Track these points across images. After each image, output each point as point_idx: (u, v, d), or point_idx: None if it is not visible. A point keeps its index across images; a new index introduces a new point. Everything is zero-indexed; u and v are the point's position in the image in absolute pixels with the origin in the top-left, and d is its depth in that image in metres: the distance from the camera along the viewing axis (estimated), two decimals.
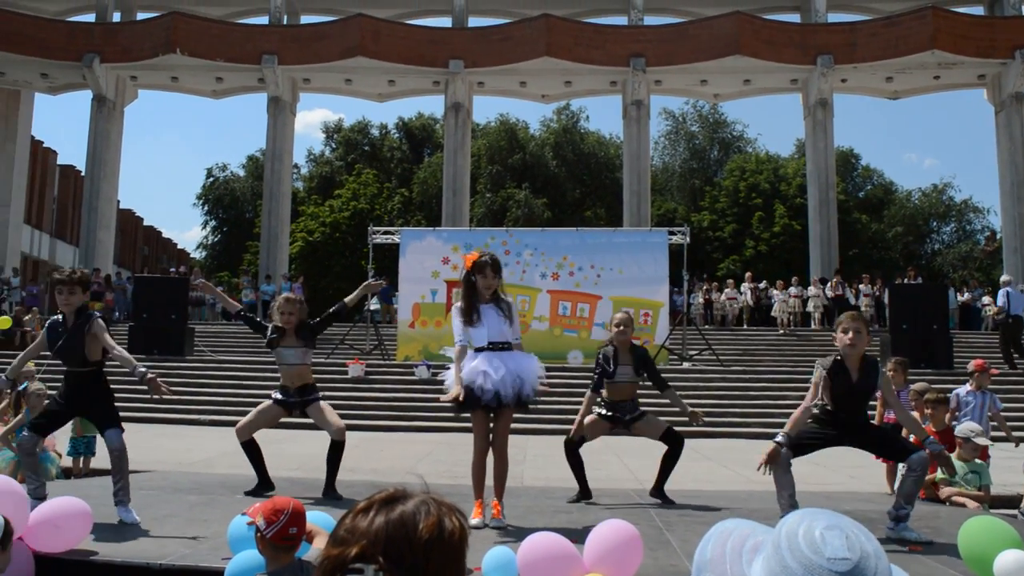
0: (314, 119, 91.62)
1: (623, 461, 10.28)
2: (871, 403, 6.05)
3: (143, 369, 5.61)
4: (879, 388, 5.56)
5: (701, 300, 25.90)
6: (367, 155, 48.01)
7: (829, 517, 1.17)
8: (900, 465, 7.85)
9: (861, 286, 24.70)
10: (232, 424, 14.40)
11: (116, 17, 30.79)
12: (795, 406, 15.54)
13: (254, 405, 15.08)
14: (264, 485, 6.68)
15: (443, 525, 1.28)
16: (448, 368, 5.75)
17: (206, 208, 49.63)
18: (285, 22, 29.85)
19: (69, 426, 8.89)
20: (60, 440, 8.57)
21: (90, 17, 30.46)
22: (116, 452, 5.52)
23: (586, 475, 6.91)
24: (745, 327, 25.09)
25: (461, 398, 5.35)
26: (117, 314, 24.78)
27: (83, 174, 31.59)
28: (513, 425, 5.89)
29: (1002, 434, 8.62)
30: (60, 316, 5.77)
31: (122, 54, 28.38)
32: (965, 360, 13.37)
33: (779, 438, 5.28)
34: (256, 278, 27.98)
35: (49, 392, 8.14)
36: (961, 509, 6.66)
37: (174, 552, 4.40)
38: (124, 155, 30.46)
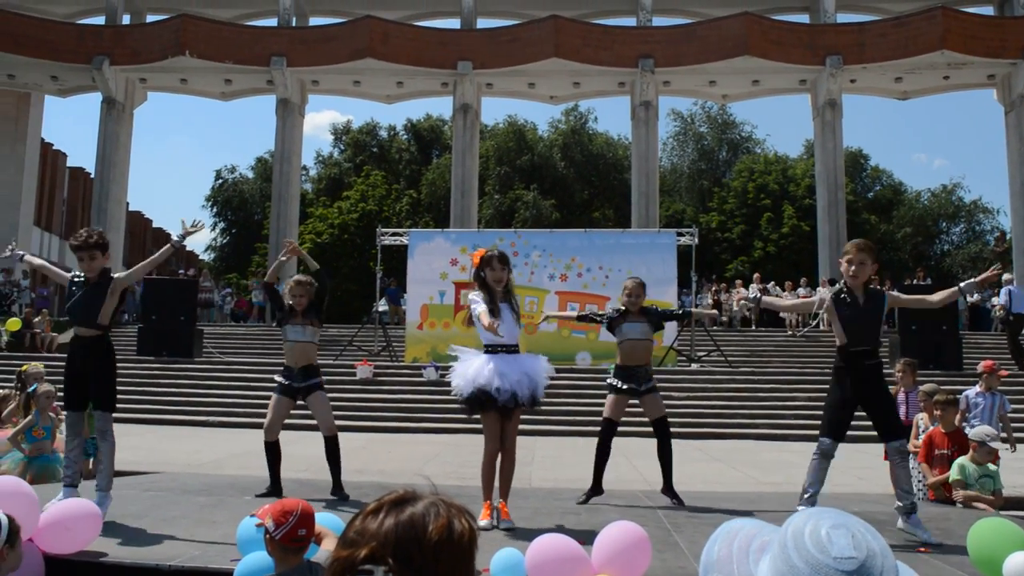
0: (323, 121, 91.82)
1: (632, 463, 10.27)
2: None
3: (176, 237, 5.96)
4: (886, 309, 5.61)
5: (710, 301, 25.85)
6: (375, 157, 48.04)
7: (835, 516, 1.17)
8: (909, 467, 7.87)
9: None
10: (240, 426, 14.53)
11: (125, 19, 30.89)
12: (804, 407, 15.56)
13: (262, 406, 15.10)
14: (275, 491, 6.69)
15: (452, 527, 1.28)
16: (463, 357, 5.73)
17: (215, 210, 49.70)
18: (294, 24, 29.91)
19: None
20: None
21: (99, 19, 30.55)
22: (99, 432, 5.58)
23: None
24: (753, 328, 25.05)
25: (497, 326, 5.39)
26: (126, 316, 24.85)
27: (92, 176, 31.71)
28: (521, 426, 5.90)
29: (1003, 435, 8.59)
30: (83, 276, 5.71)
31: (131, 56, 28.46)
32: (975, 361, 13.34)
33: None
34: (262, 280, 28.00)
35: (59, 393, 8.19)
36: (972, 510, 6.64)
37: (183, 553, 4.42)
38: (133, 157, 30.54)
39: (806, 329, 21.92)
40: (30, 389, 7.87)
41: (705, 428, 14.42)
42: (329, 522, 3.55)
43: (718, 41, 27.24)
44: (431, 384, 16.20)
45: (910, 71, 27.45)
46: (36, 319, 21.73)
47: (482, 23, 30.58)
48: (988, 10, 29.79)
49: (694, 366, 18.54)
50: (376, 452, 11.55)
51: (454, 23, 30.43)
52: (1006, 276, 20.25)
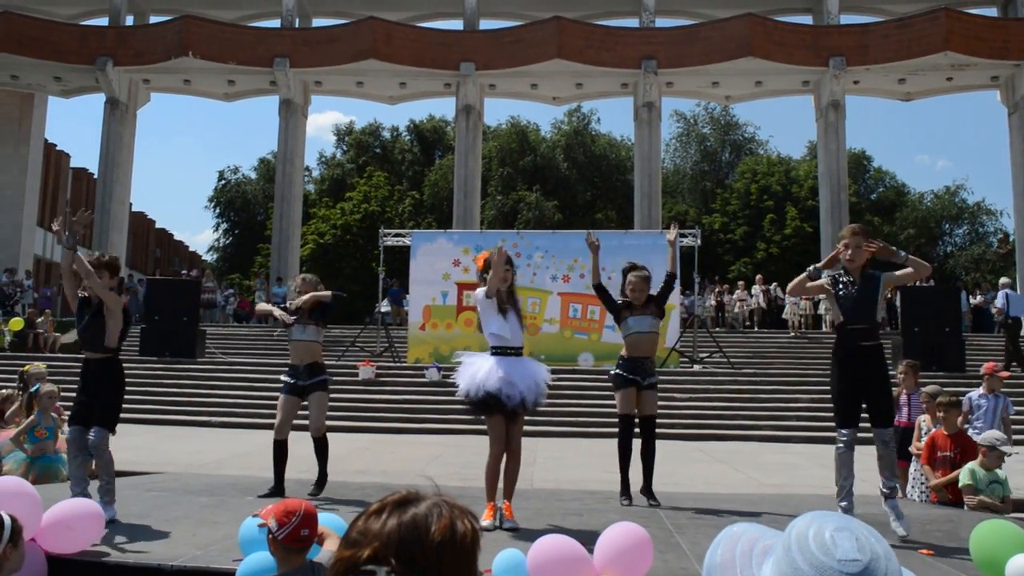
0: (325, 122, 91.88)
1: (636, 466, 10.25)
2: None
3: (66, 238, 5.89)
4: (882, 287, 5.74)
5: (713, 302, 25.86)
6: (378, 157, 48.07)
7: (839, 519, 1.17)
8: (911, 469, 7.87)
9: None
10: (242, 426, 14.55)
11: (129, 21, 30.93)
12: (806, 409, 15.56)
13: (264, 407, 15.15)
14: (278, 491, 6.73)
15: (455, 528, 1.28)
16: (469, 359, 5.75)
17: (218, 211, 49.78)
18: (297, 25, 29.93)
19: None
20: None
21: (103, 21, 30.58)
22: (94, 450, 5.65)
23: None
24: (756, 329, 25.04)
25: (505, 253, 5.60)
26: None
27: (96, 177, 31.72)
28: (524, 428, 5.91)
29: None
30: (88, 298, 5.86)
31: (135, 57, 28.50)
32: (977, 363, 13.33)
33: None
34: (268, 280, 28.05)
35: (61, 393, 8.19)
36: (973, 512, 6.63)
37: (185, 553, 4.42)
38: (136, 158, 30.57)
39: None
40: (32, 389, 7.88)
41: (707, 429, 14.41)
42: (331, 523, 3.56)
43: (721, 42, 27.23)
44: (433, 385, 16.20)
45: (913, 72, 27.43)
46: (39, 319, 21.77)
47: (485, 24, 30.59)
48: (992, 11, 29.77)
49: (696, 367, 18.52)
50: (378, 453, 11.56)
51: (457, 24, 30.45)
52: (1003, 280, 20.33)
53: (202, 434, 13.54)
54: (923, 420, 7.93)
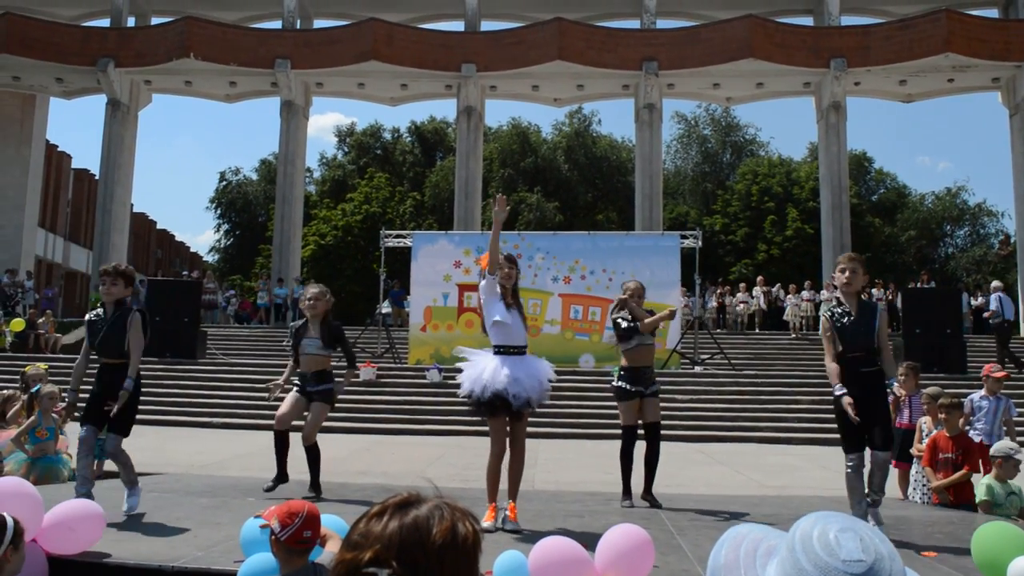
0: (327, 123, 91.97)
1: (637, 468, 10.25)
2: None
3: (73, 397, 6.00)
4: (879, 322, 5.74)
5: (715, 304, 25.86)
6: (379, 159, 48.08)
7: (843, 520, 1.17)
8: (912, 471, 7.86)
9: (874, 290, 24.59)
10: (243, 427, 14.55)
11: (131, 22, 30.97)
12: (807, 410, 15.56)
13: (265, 408, 15.15)
14: (281, 478, 6.84)
15: (457, 530, 1.28)
16: (471, 359, 5.74)
17: (219, 212, 49.83)
18: (298, 27, 29.94)
19: (81, 429, 8.94)
20: (72, 442, 8.61)
21: (105, 22, 30.60)
22: (110, 456, 5.79)
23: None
24: (757, 331, 25.04)
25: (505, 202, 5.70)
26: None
27: (97, 178, 31.75)
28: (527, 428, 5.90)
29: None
30: (100, 310, 5.92)
31: (136, 59, 28.52)
32: (979, 365, 13.32)
33: (842, 389, 5.59)
34: (269, 281, 28.07)
35: (62, 394, 8.19)
36: (974, 514, 6.62)
37: (187, 555, 4.42)
38: (138, 159, 30.63)
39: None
40: (33, 390, 7.88)
41: (708, 431, 14.40)
42: (333, 524, 3.55)
43: (722, 44, 27.23)
44: (434, 386, 16.20)
45: (914, 74, 27.43)
46: (40, 320, 21.78)
47: (486, 25, 30.60)
48: (993, 13, 29.77)
49: (697, 369, 18.52)
50: (379, 454, 11.55)
51: (458, 25, 30.47)
52: (995, 283, 20.54)
53: (203, 435, 13.54)
54: (924, 422, 7.92)
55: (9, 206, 31.65)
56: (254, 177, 50.67)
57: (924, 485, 7.61)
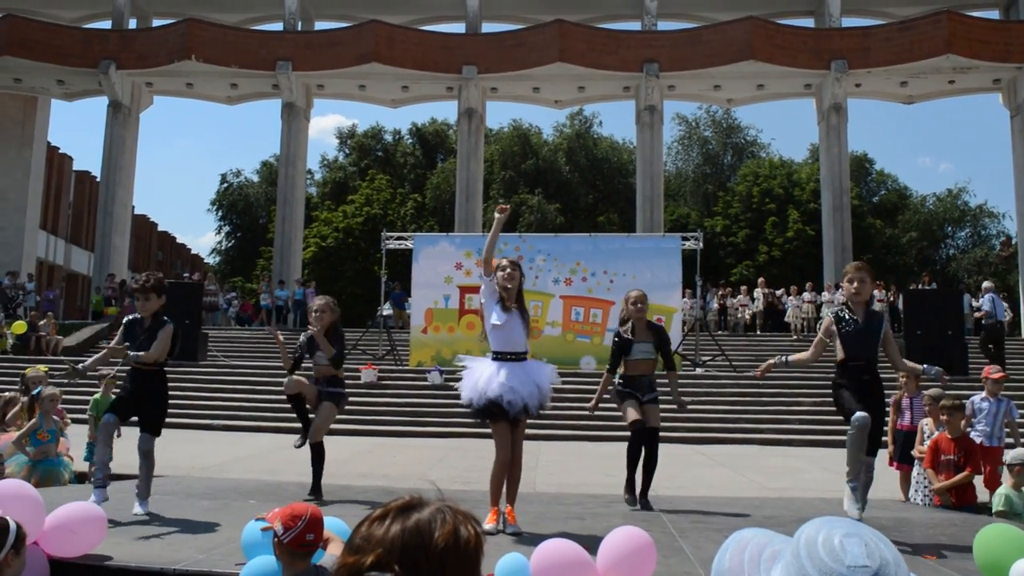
0: (328, 125, 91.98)
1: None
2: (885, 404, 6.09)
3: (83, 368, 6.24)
4: (884, 330, 5.80)
5: (716, 306, 25.85)
6: (380, 161, 48.08)
7: (848, 525, 1.17)
8: (914, 472, 7.86)
9: (875, 292, 24.57)
10: (244, 429, 14.55)
11: (132, 24, 30.98)
12: (808, 412, 15.54)
13: (267, 410, 15.15)
14: (307, 429, 7.06)
15: (459, 534, 1.28)
16: (471, 365, 5.73)
17: (220, 213, 49.81)
18: (299, 29, 29.95)
19: (86, 431, 8.95)
20: (74, 444, 8.61)
21: (106, 24, 30.62)
22: (141, 453, 5.96)
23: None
24: (758, 333, 25.02)
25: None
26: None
27: (98, 180, 31.77)
28: (525, 431, 5.90)
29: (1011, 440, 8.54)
30: (139, 315, 6.20)
31: (138, 61, 28.54)
32: (980, 366, 13.30)
33: (783, 358, 5.96)
34: (271, 283, 28.07)
35: (63, 396, 8.20)
36: (976, 516, 6.61)
37: (188, 557, 4.41)
38: (139, 161, 30.64)
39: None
40: (34, 392, 7.88)
41: (709, 433, 14.40)
42: (335, 527, 3.55)
43: (723, 45, 27.23)
44: (435, 388, 16.20)
45: (915, 75, 27.42)
46: (41, 322, 21.77)
47: (487, 27, 30.61)
48: (994, 14, 29.77)
49: (698, 370, 18.51)
50: (380, 456, 11.55)
51: (459, 27, 30.48)
52: (986, 284, 20.74)
53: (204, 437, 13.54)
54: (926, 424, 7.92)
55: (10, 208, 31.67)
56: (255, 179, 50.68)
57: (926, 487, 7.61)
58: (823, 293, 24.45)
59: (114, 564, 4.30)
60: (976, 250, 43.51)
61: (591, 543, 3.97)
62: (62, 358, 17.24)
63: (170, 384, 6.24)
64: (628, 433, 6.94)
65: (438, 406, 15.33)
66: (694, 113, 46.92)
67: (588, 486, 8.87)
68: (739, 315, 25.80)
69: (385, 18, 29.01)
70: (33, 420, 7.55)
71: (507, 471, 5.59)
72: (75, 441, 8.67)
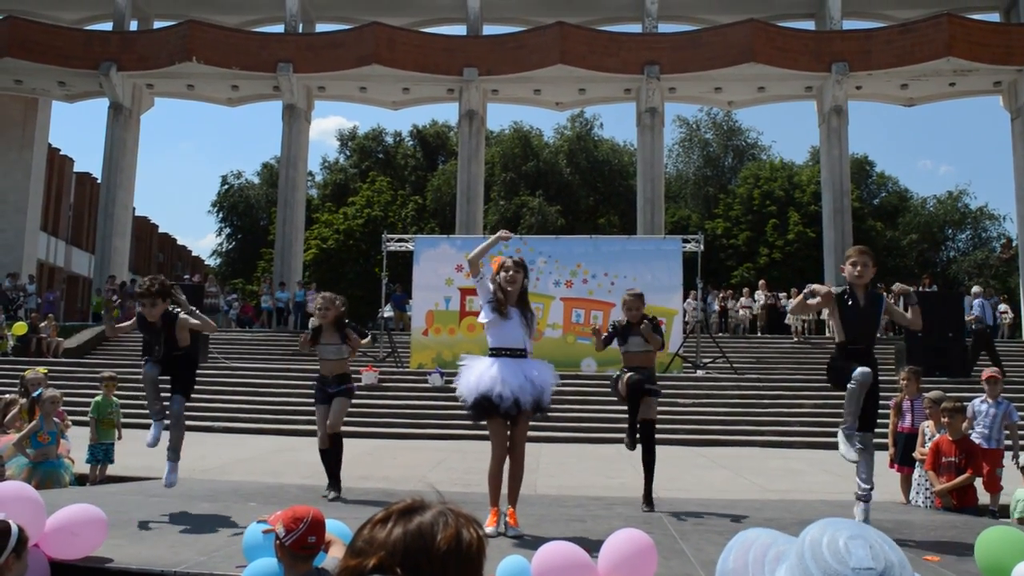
0: (329, 127, 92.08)
1: (638, 470, 10.24)
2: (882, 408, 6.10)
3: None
4: (884, 311, 5.90)
5: (717, 308, 25.84)
6: (381, 163, 48.08)
7: (853, 527, 1.17)
8: (915, 474, 7.85)
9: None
10: (246, 431, 14.54)
11: (133, 26, 30.98)
12: (810, 415, 15.51)
13: (268, 412, 15.17)
14: (335, 486, 7.21)
15: (461, 537, 1.28)
16: (469, 363, 5.72)
17: (221, 215, 49.80)
18: (300, 30, 29.96)
19: (87, 433, 8.95)
20: (75, 446, 8.61)
21: (107, 26, 30.64)
22: (172, 416, 6.41)
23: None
24: (759, 335, 25.02)
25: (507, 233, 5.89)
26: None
27: (99, 181, 31.77)
28: (527, 433, 5.88)
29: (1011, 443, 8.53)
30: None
31: (139, 62, 28.55)
32: (980, 368, 13.30)
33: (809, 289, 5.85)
34: (271, 285, 28.07)
35: (63, 398, 8.20)
36: (978, 518, 6.61)
37: (189, 559, 4.41)
38: (140, 162, 30.59)
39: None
40: (35, 394, 7.88)
41: (710, 435, 14.39)
42: (337, 529, 3.54)
43: (724, 48, 27.24)
44: (436, 390, 16.19)
45: (916, 78, 27.42)
46: (42, 324, 21.77)
47: (488, 29, 30.62)
48: (994, 17, 29.77)
49: (699, 373, 18.51)
50: (381, 458, 11.54)
51: (460, 29, 30.49)
52: (975, 288, 20.94)
53: (205, 439, 13.51)
54: (927, 426, 7.91)
55: (11, 210, 31.67)
56: (256, 181, 50.66)
57: (927, 489, 7.60)
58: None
59: (115, 566, 4.30)
60: (977, 252, 43.50)
61: (592, 545, 3.97)
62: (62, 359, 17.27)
63: (169, 385, 6.41)
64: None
65: (438, 408, 15.33)
66: (695, 115, 47.02)
67: (589, 488, 8.87)
68: (739, 314, 25.78)
69: (386, 20, 29.02)
70: (34, 422, 7.55)
71: (502, 470, 5.58)
72: (76, 443, 8.67)
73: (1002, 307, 25.07)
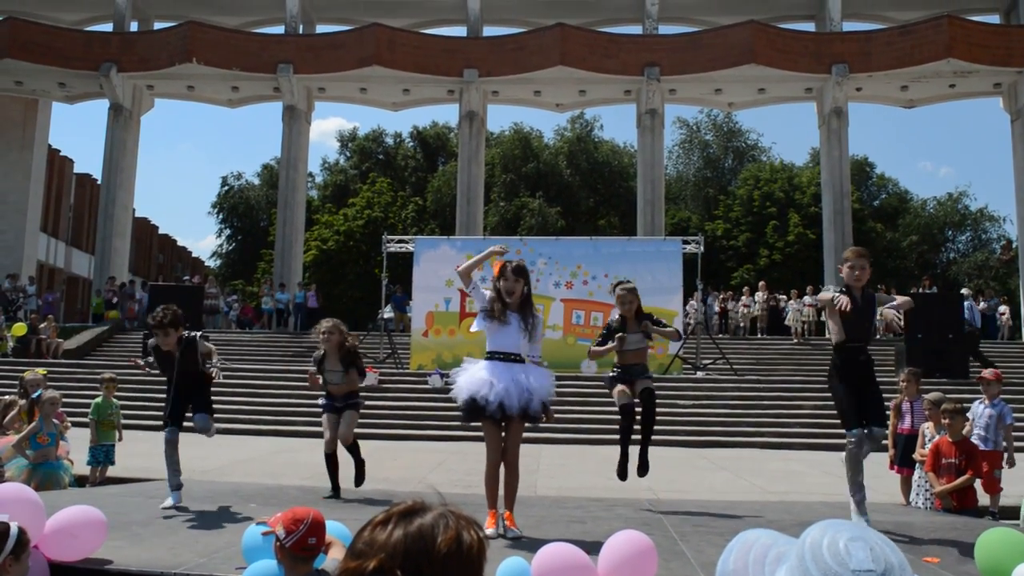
0: (329, 128, 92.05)
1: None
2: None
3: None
4: (878, 308, 6.09)
5: (717, 309, 25.84)
6: (381, 164, 48.10)
7: (853, 529, 1.17)
8: (915, 476, 7.85)
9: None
10: (245, 433, 14.55)
11: (133, 27, 30.97)
12: (809, 416, 15.51)
13: (267, 413, 15.17)
14: (336, 494, 7.43)
15: (461, 539, 1.28)
16: (466, 366, 5.71)
17: (221, 216, 49.80)
18: (301, 31, 29.96)
19: (87, 435, 8.95)
20: (74, 448, 8.61)
21: (107, 27, 30.64)
22: (205, 432, 6.84)
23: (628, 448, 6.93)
24: (759, 336, 25.01)
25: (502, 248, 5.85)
26: (136, 322, 24.87)
27: (99, 182, 31.77)
28: (526, 434, 5.88)
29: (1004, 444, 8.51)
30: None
31: (139, 63, 28.55)
32: (980, 369, 13.29)
33: (836, 291, 5.90)
34: (272, 286, 28.07)
35: (62, 399, 8.20)
36: (978, 520, 6.60)
37: (188, 561, 4.41)
38: (140, 163, 30.60)
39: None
40: (34, 396, 7.87)
41: (710, 436, 14.39)
42: (337, 531, 3.54)
43: (724, 49, 27.24)
44: (436, 391, 16.18)
45: (916, 79, 27.43)
46: (42, 325, 21.77)
47: (488, 31, 30.63)
48: (994, 18, 29.77)
49: (700, 374, 18.50)
50: (381, 459, 11.53)
51: (460, 31, 30.49)
52: (964, 290, 21.17)
53: (205, 441, 13.48)
54: (926, 427, 7.91)
55: (11, 211, 31.67)
56: (256, 182, 50.67)
57: (927, 490, 7.60)
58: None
59: (114, 568, 4.30)
60: (976, 254, 43.53)
61: (592, 547, 3.97)
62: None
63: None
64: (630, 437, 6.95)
65: (438, 409, 15.32)
66: (695, 117, 47.06)
67: (589, 489, 8.87)
68: (740, 316, 25.78)
69: (386, 21, 29.03)
70: (33, 423, 7.55)
71: (498, 472, 5.55)
72: (75, 445, 8.66)
73: (1002, 308, 25.03)
